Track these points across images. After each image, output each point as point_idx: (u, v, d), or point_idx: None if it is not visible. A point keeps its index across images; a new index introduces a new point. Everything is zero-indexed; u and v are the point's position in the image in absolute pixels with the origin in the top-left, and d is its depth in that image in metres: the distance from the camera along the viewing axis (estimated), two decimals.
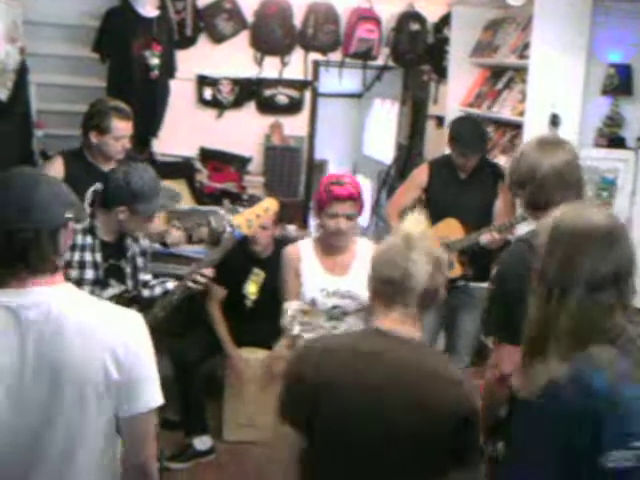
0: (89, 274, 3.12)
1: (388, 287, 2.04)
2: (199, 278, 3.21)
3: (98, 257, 3.15)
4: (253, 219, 3.24)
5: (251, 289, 4.45)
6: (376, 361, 2.00)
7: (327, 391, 1.99)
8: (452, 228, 4.31)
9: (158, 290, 3.46)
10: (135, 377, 1.84)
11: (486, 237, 4.12)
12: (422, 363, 2.02)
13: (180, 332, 4.44)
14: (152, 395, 1.88)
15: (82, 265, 3.10)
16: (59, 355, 1.77)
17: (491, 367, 2.64)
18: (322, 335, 2.30)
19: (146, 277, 3.45)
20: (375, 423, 1.97)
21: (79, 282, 3.06)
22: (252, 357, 4.48)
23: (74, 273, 3.08)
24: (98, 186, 3.90)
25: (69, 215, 1.88)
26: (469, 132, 4.35)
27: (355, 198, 3.24)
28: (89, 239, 3.14)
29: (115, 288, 3.20)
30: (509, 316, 2.38)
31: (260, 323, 4.32)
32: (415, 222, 2.15)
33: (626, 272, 1.84)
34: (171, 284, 3.47)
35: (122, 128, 3.93)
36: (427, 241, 2.07)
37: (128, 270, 3.26)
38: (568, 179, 2.55)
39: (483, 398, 2.77)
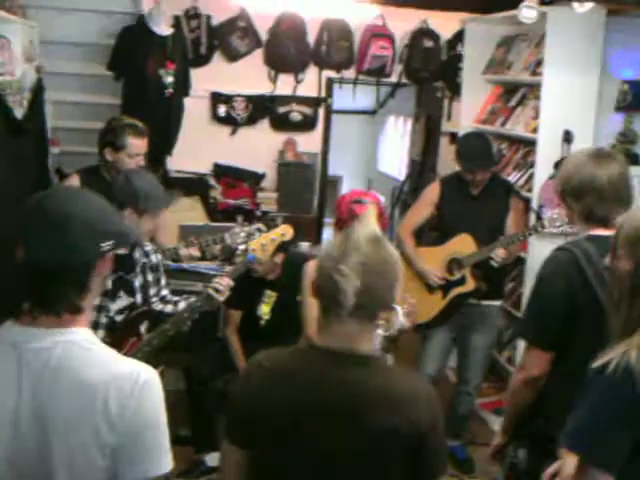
0: None
1: (322, 297, 1.88)
2: (221, 287, 3.26)
3: None
4: (268, 243, 3.39)
5: (264, 310, 4.47)
6: (311, 386, 1.85)
7: (262, 418, 1.87)
8: (465, 244, 4.30)
9: (182, 305, 3.44)
10: (135, 442, 1.66)
11: (499, 252, 4.10)
12: (362, 384, 1.84)
13: (193, 348, 4.45)
14: (157, 462, 1.69)
15: None
16: (50, 406, 1.65)
17: (520, 369, 2.65)
18: (263, 353, 2.02)
19: (163, 292, 3.45)
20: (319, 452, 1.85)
21: None
22: None
23: None
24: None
25: (106, 247, 1.73)
26: (475, 148, 4.34)
27: (377, 217, 3.25)
28: None
29: (124, 300, 3.20)
30: (543, 321, 2.38)
31: (275, 341, 4.32)
32: (365, 223, 1.94)
33: None
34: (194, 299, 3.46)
35: (137, 145, 3.96)
36: (365, 246, 1.82)
37: (137, 284, 3.26)
38: (623, 191, 2.58)
39: (509, 400, 2.79)
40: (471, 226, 4.31)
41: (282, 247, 3.93)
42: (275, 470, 1.90)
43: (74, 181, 4.02)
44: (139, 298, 3.27)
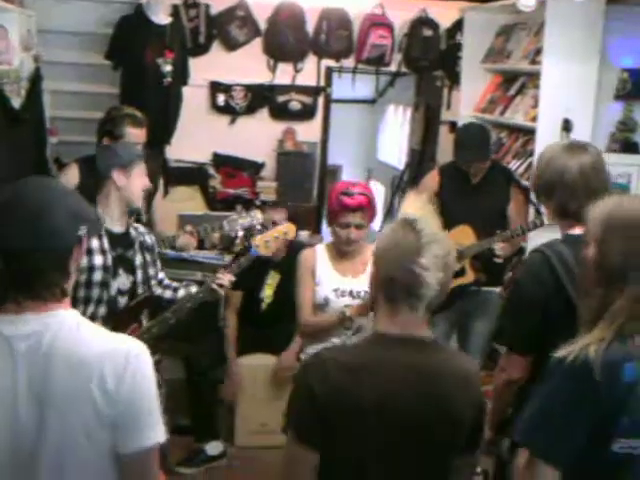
0: (98, 260, 3.10)
1: (395, 289, 1.87)
2: (224, 282, 3.32)
3: (105, 244, 3.13)
4: (271, 240, 3.48)
5: (267, 292, 4.48)
6: (391, 370, 1.87)
7: (348, 415, 1.85)
8: (465, 235, 4.30)
9: (182, 293, 3.46)
10: (131, 413, 1.72)
11: (499, 246, 4.11)
12: (437, 365, 1.90)
13: (193, 338, 4.45)
14: (152, 432, 1.76)
15: (89, 251, 3.05)
16: (46, 387, 1.69)
17: (500, 371, 2.67)
18: (328, 348, 2.09)
19: (160, 275, 3.46)
20: (402, 435, 1.86)
21: (90, 269, 3.06)
22: (262, 364, 4.49)
23: (83, 260, 3.02)
24: None
25: (82, 232, 1.78)
26: (472, 139, 4.33)
27: (365, 208, 3.27)
28: None
29: (123, 278, 3.20)
30: (521, 325, 2.39)
31: (274, 327, 4.38)
32: (420, 207, 2.00)
33: None
34: (195, 289, 3.47)
35: (135, 135, 3.95)
36: (438, 239, 1.87)
37: (137, 261, 3.26)
38: (595, 183, 2.48)
39: (492, 400, 2.79)
40: (471, 215, 4.31)
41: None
42: (358, 465, 1.87)
43: (72, 171, 4.01)
44: (139, 276, 3.27)
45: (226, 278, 3.36)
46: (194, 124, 5.96)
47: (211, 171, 6.27)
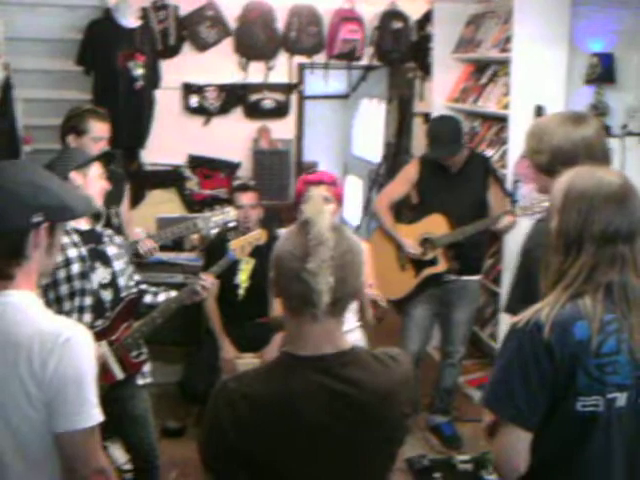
0: (72, 252, 3.09)
1: (292, 299, 1.75)
2: (206, 284, 3.35)
3: (75, 238, 3.13)
4: (246, 245, 3.61)
5: (242, 277, 4.47)
6: (303, 398, 1.72)
7: (267, 454, 1.73)
8: (438, 224, 4.34)
9: (162, 297, 3.47)
10: (59, 396, 1.79)
11: (507, 219, 4.13)
12: (352, 381, 1.74)
13: (179, 342, 4.46)
14: (82, 415, 1.82)
15: (62, 247, 3.03)
16: None
17: None
18: (235, 379, 1.83)
19: (135, 277, 3.45)
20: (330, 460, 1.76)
21: (67, 262, 3.06)
22: (247, 362, 4.48)
23: (58, 257, 2.97)
24: None
25: (37, 219, 1.83)
26: (441, 134, 4.33)
27: (328, 182, 3.40)
28: None
29: (102, 272, 3.19)
30: (527, 292, 2.38)
31: (252, 315, 4.39)
32: (316, 207, 1.76)
33: (638, 230, 1.94)
34: (174, 293, 3.49)
35: (100, 128, 3.94)
36: (324, 241, 1.69)
37: (110, 253, 3.25)
38: (598, 152, 2.45)
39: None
40: (450, 204, 4.34)
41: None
42: None
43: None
44: (117, 266, 3.26)
45: (209, 280, 3.39)
46: (168, 127, 5.94)
47: (187, 173, 6.26)
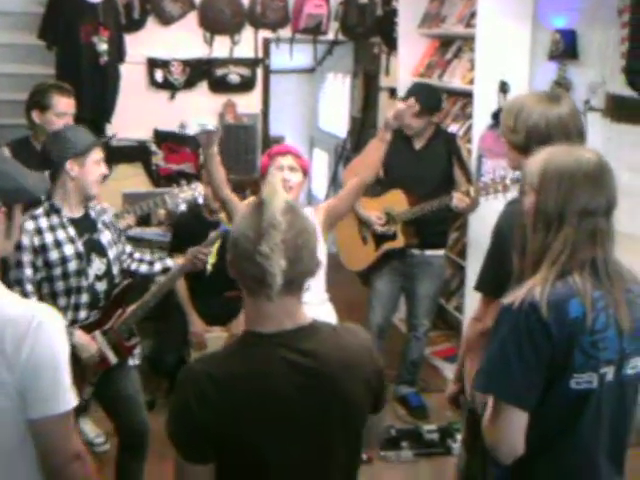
0: (69, 249, 3.07)
1: (247, 281, 1.77)
2: (202, 256, 3.35)
3: (71, 232, 3.10)
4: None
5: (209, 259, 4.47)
6: (268, 375, 1.76)
7: (234, 431, 1.75)
8: (397, 200, 4.39)
9: (158, 267, 3.49)
10: (33, 382, 1.75)
11: (457, 198, 4.12)
12: (315, 353, 1.79)
13: (148, 316, 4.48)
14: (57, 401, 1.79)
15: (58, 244, 3.04)
16: None
17: (474, 321, 2.67)
18: (200, 360, 1.95)
19: (128, 249, 3.44)
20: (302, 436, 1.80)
21: (63, 260, 3.04)
22: (214, 336, 4.51)
23: (54, 254, 3.03)
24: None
25: None
26: (417, 91, 4.32)
27: (294, 153, 3.47)
28: (55, 219, 3.08)
29: (97, 263, 3.17)
30: (500, 272, 2.41)
31: (220, 290, 4.38)
32: (272, 188, 1.78)
33: (614, 204, 1.98)
34: (170, 261, 3.52)
35: (64, 103, 3.90)
36: (276, 223, 1.71)
37: (105, 240, 3.23)
38: (572, 130, 2.47)
39: (463, 349, 2.85)
40: (415, 180, 4.39)
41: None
42: (267, 473, 1.79)
43: (4, 154, 3.95)
44: (111, 254, 3.24)
45: (205, 251, 3.38)
46: (133, 101, 5.91)
47: (153, 148, 6.24)
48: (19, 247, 2.96)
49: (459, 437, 3.94)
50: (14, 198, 1.86)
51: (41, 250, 3.02)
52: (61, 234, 3.07)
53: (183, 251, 3.57)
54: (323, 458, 1.83)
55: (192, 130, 3.66)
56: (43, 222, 3.06)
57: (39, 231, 3.04)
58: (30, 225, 3.02)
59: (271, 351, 1.77)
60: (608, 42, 4.09)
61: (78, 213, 3.17)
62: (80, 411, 3.51)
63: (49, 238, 3.05)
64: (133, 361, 3.40)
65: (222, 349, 1.91)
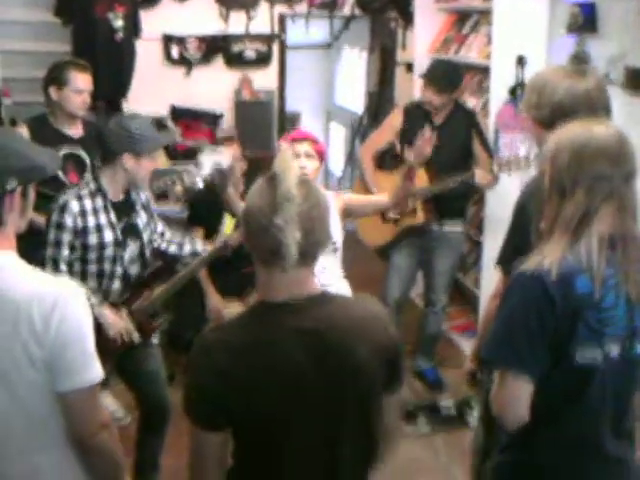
0: (109, 236, 3.09)
1: (261, 252, 1.81)
2: (231, 242, 3.37)
3: (112, 217, 3.11)
4: None
5: (226, 231, 4.47)
6: (281, 342, 1.79)
7: (247, 399, 1.78)
8: (417, 175, 4.36)
9: (187, 248, 3.47)
10: (62, 354, 1.79)
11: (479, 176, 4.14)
12: (329, 321, 1.82)
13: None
14: (84, 374, 1.83)
15: (99, 228, 3.06)
16: None
17: (494, 297, 2.67)
18: (213, 329, 2.03)
19: (159, 228, 3.43)
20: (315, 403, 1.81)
21: (101, 246, 3.07)
22: (231, 312, 4.52)
23: (94, 238, 3.05)
24: (66, 151, 3.92)
25: (11, 185, 1.79)
26: (439, 69, 4.36)
27: (312, 140, 3.43)
28: (100, 201, 3.08)
29: (132, 247, 3.20)
30: (521, 249, 2.41)
31: (237, 266, 4.35)
32: (284, 162, 1.80)
33: (633, 172, 1.97)
34: (200, 245, 3.50)
35: (81, 79, 3.91)
36: (291, 197, 1.73)
37: (141, 224, 3.24)
38: (599, 105, 2.43)
39: (482, 326, 2.85)
40: (434, 155, 4.34)
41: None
42: (279, 444, 1.82)
43: (22, 132, 3.97)
44: (145, 237, 3.26)
45: (235, 236, 3.39)
46: (149, 78, 5.92)
47: (169, 124, 6.24)
48: (61, 226, 2.99)
49: (475, 412, 3.95)
50: (29, 177, 1.87)
51: (82, 232, 3.03)
52: (103, 218, 3.08)
53: (201, 226, 3.56)
54: (334, 426, 1.85)
55: (206, 169, 3.62)
56: (88, 204, 3.06)
57: (83, 213, 3.04)
58: (75, 207, 3.02)
59: (281, 319, 1.81)
60: (628, 14, 4.04)
61: (120, 197, 3.18)
62: (101, 385, 3.55)
63: (92, 222, 3.06)
64: (156, 339, 3.44)
65: (234, 319, 1.94)
